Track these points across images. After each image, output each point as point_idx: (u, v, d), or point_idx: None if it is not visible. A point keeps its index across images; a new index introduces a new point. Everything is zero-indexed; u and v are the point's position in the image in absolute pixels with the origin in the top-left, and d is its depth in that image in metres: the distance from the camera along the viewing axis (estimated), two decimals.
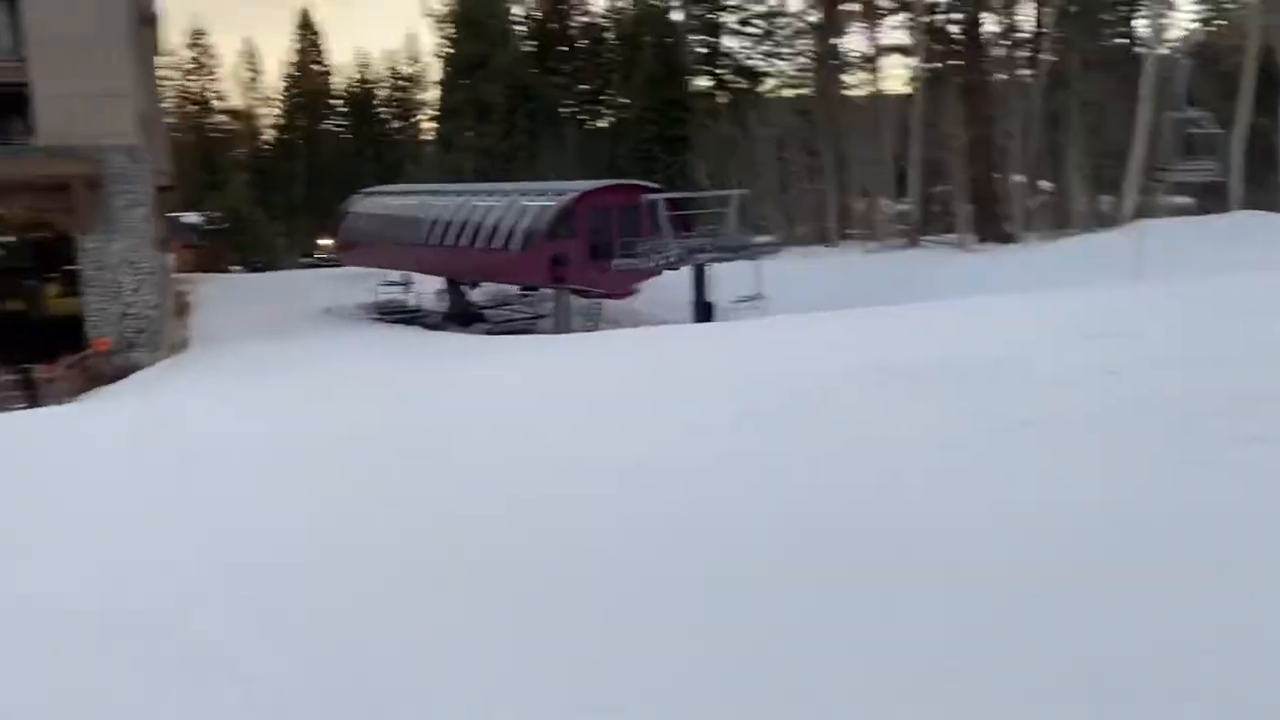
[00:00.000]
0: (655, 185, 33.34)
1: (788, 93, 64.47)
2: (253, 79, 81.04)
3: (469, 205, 35.13)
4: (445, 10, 64.11)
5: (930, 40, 48.69)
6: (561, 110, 63.75)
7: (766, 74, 64.78)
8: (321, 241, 75.65)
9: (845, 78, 56.75)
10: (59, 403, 21.32)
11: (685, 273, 33.31)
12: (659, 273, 33.00)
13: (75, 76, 28.30)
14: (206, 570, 5.24)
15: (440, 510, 5.99)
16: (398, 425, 9.01)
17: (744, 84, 61.36)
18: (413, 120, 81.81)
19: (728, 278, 33.14)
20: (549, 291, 42.27)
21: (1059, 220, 44.56)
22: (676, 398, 9.30)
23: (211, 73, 77.95)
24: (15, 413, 14.54)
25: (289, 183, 76.77)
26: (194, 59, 77.26)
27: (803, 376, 9.73)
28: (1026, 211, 45.26)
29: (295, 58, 79.69)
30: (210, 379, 22.03)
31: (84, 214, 28.70)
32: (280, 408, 11.82)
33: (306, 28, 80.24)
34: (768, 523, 5.25)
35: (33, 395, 20.74)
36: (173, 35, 69.19)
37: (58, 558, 5.84)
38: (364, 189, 44.43)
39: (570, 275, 31.67)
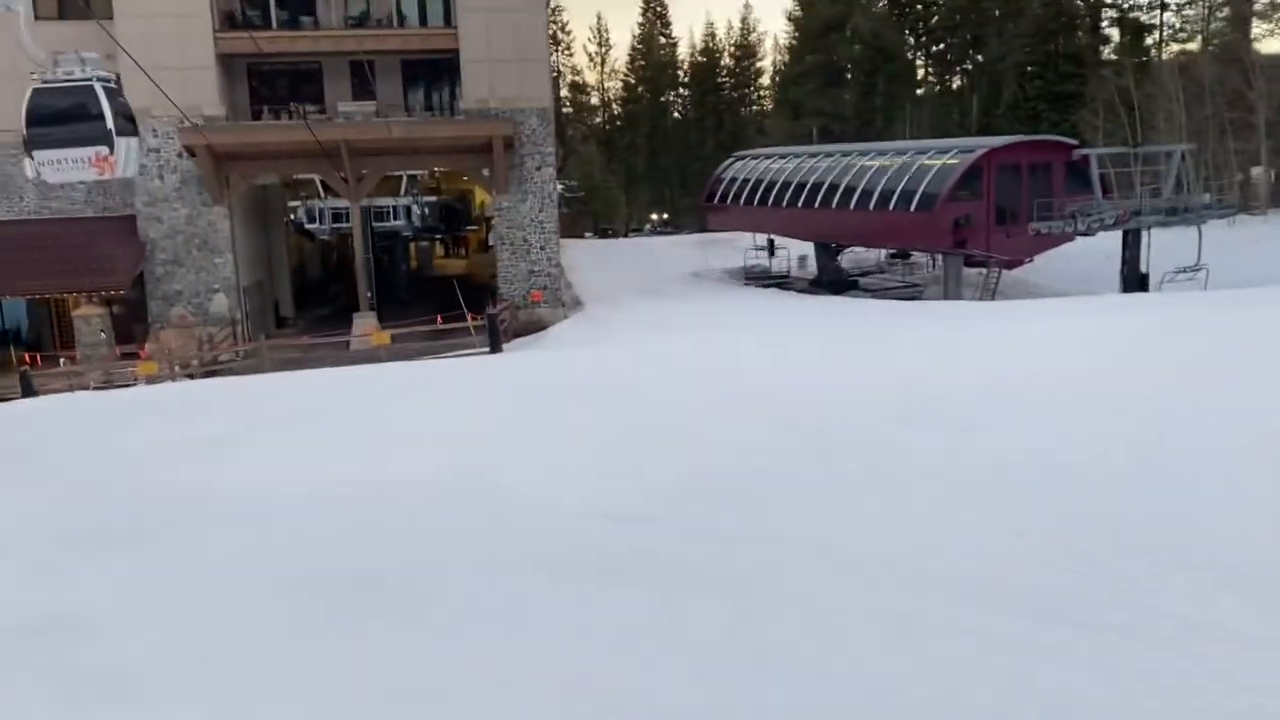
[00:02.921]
0: (1072, 141, 30.25)
1: (1177, 47, 57.80)
2: (601, 53, 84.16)
3: (855, 166, 33.66)
4: None
5: None
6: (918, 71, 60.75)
7: (1151, 26, 58.33)
8: (654, 216, 77.47)
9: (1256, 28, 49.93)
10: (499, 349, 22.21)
11: (1083, 242, 30.18)
12: (1071, 238, 30.06)
13: (498, 43, 29.67)
14: None
15: None
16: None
17: (1131, 37, 55.40)
18: (753, 88, 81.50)
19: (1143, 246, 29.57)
20: (920, 258, 40.17)
21: None
22: None
23: (567, 48, 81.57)
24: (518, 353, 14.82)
25: (631, 153, 79.03)
26: (550, 35, 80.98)
27: None
28: None
29: (641, 31, 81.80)
30: (642, 334, 22.15)
31: (500, 174, 30.07)
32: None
33: (651, 3, 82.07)
34: None
35: (496, 340, 21.71)
36: None
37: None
38: (738, 153, 44.15)
39: (973, 239, 29.45)
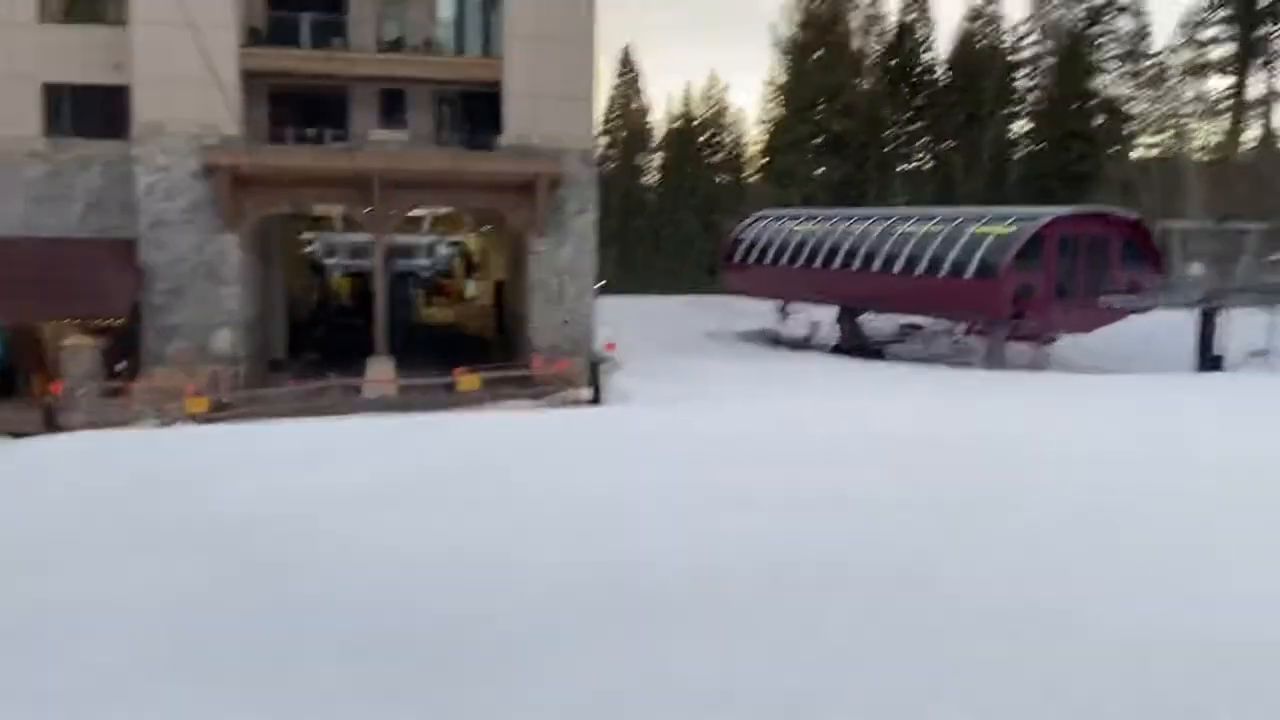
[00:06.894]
0: (1131, 215, 29.52)
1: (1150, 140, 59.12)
2: None
3: (895, 230, 32.51)
4: (792, 42, 62.72)
5: None
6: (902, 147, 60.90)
7: (1134, 116, 59.52)
8: (599, 283, 75.63)
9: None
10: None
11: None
12: (1126, 315, 29.22)
13: (544, 76, 27.93)
14: None
15: None
16: None
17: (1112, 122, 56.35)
18: (732, 156, 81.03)
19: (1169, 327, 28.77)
20: (937, 326, 38.90)
21: None
22: None
23: None
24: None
25: (602, 214, 77.40)
26: None
27: None
28: None
29: (615, 93, 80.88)
30: (729, 390, 20.20)
31: (540, 216, 28.10)
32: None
33: (625, 67, 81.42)
34: None
35: (599, 391, 19.48)
36: None
37: None
38: (759, 212, 42.79)
39: (1032, 310, 28.35)
